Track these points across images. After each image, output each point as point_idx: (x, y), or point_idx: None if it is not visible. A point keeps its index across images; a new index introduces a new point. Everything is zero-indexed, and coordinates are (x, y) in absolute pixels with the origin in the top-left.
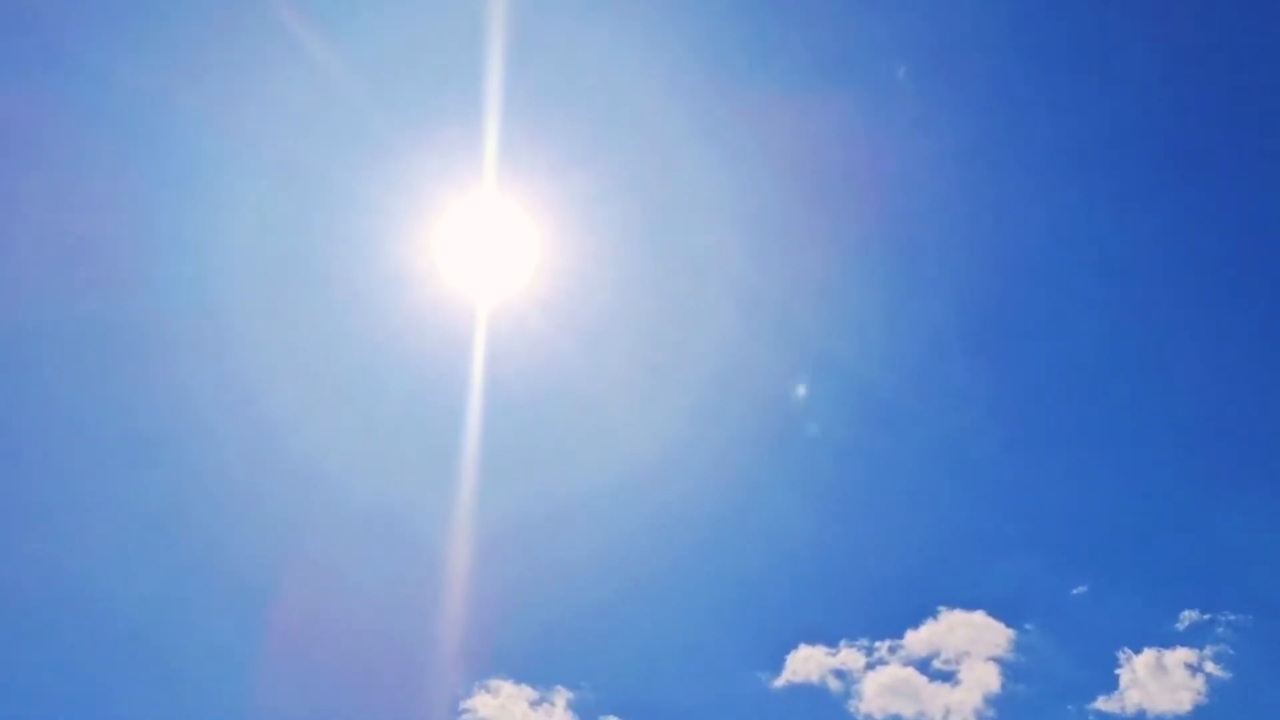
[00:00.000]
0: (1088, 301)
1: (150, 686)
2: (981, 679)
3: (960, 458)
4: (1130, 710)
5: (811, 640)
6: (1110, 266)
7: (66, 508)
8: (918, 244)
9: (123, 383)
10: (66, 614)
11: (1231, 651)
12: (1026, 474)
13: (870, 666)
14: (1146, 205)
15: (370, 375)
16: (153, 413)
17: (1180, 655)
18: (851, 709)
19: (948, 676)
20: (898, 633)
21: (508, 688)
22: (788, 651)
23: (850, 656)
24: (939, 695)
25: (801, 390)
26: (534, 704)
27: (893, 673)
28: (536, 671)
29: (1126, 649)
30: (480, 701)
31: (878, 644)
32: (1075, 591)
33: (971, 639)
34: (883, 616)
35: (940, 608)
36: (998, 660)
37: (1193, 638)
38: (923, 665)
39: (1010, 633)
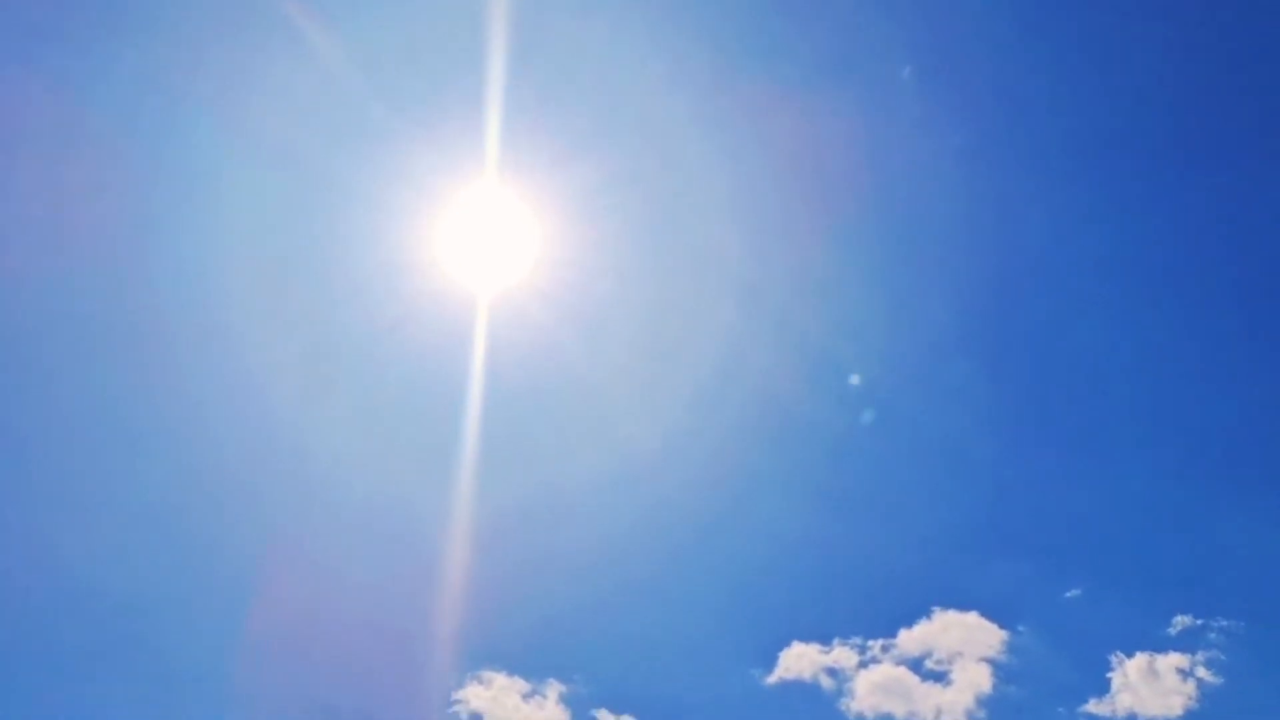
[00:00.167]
0: (1086, 304)
1: (146, 676)
2: (973, 679)
3: (957, 458)
4: (1121, 713)
5: (805, 638)
6: (1109, 269)
7: (65, 497)
8: (918, 243)
9: (122, 372)
10: (63, 604)
11: (1223, 657)
12: (1022, 476)
13: (863, 665)
14: (1147, 207)
15: (370, 366)
16: (152, 402)
17: (1172, 660)
18: (843, 707)
19: (940, 676)
20: (891, 632)
21: (500, 679)
22: (781, 648)
23: (843, 655)
24: (931, 695)
25: (799, 388)
26: (526, 696)
27: (885, 672)
28: (529, 664)
29: (1119, 652)
30: (472, 693)
31: (871, 643)
32: (1069, 594)
33: (964, 639)
34: (876, 615)
35: (934, 608)
36: (990, 661)
37: (1185, 643)
38: (915, 665)
39: (1003, 634)
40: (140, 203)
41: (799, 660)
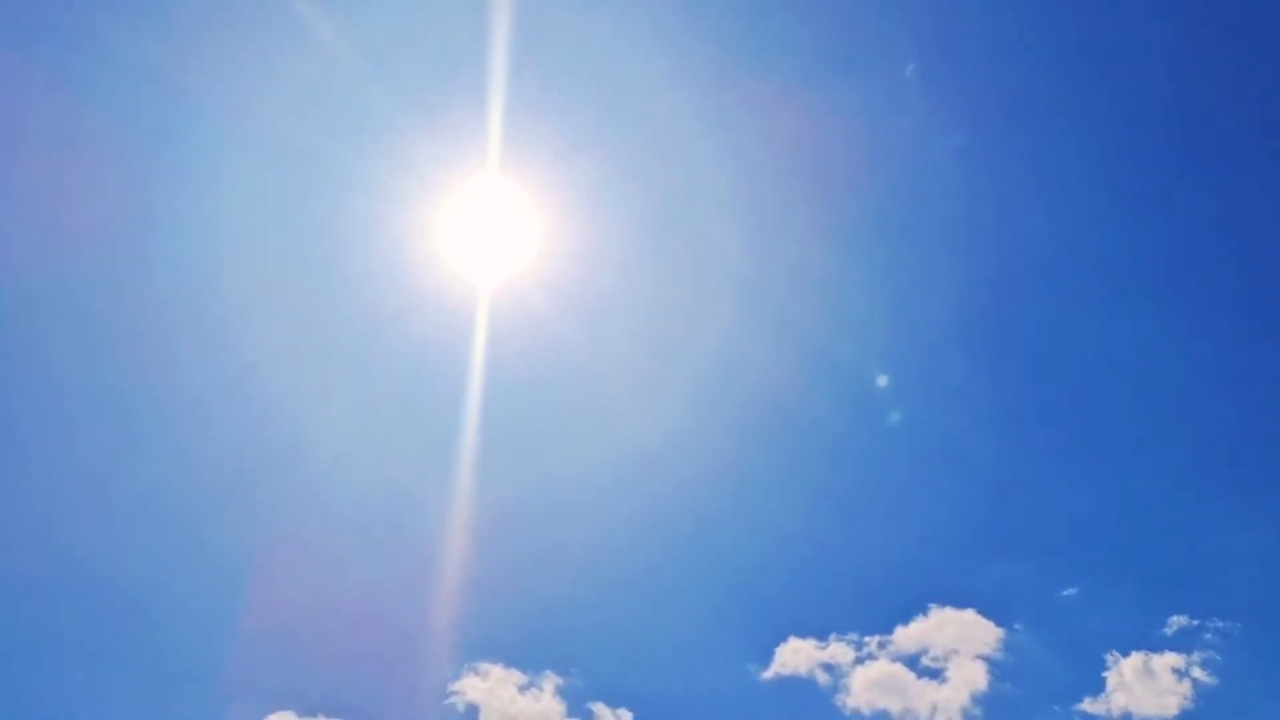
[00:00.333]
0: (1085, 304)
1: (143, 665)
2: (969, 677)
3: (956, 457)
4: (1116, 713)
5: (801, 633)
6: (1108, 270)
7: (64, 489)
8: (919, 241)
9: (122, 364)
10: (62, 595)
11: (1219, 658)
12: (1021, 475)
13: (859, 661)
14: (1147, 208)
15: (371, 357)
16: (152, 393)
17: (1168, 660)
18: (839, 703)
19: (936, 673)
20: (887, 628)
21: (497, 671)
22: (777, 644)
23: (839, 651)
24: (926, 692)
25: (799, 384)
26: (522, 688)
27: (881, 668)
28: (526, 656)
29: (1114, 652)
30: (469, 684)
31: (867, 639)
32: (1065, 593)
33: (961, 637)
34: (873, 612)
35: (930, 605)
36: (986, 659)
37: (1181, 643)
38: (911, 661)
39: (999, 632)
40: (142, 194)
41: (795, 656)
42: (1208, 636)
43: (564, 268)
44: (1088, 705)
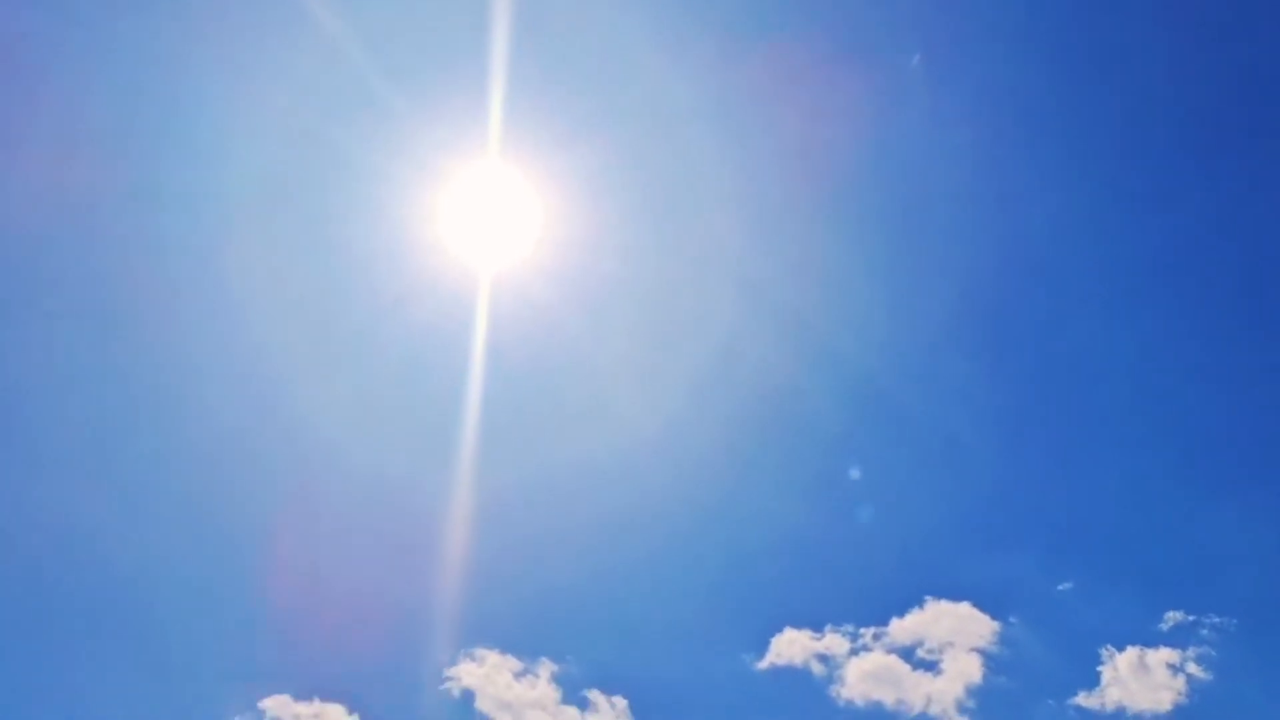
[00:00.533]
0: (1084, 300)
1: (140, 645)
2: (964, 669)
3: (953, 451)
4: (1110, 707)
5: (797, 624)
6: (1110, 266)
7: (64, 468)
8: (922, 235)
9: (122, 346)
10: (60, 573)
11: (1214, 654)
12: (1018, 469)
13: (854, 652)
14: (1150, 204)
15: (371, 344)
16: (152, 376)
17: (1163, 655)
18: (833, 694)
19: (930, 666)
20: (883, 620)
21: (493, 657)
22: (773, 634)
23: (835, 642)
24: (921, 684)
25: (797, 376)
26: (518, 675)
27: (876, 659)
28: (522, 643)
29: (1109, 646)
30: (464, 669)
31: (863, 631)
32: (1061, 588)
33: (956, 629)
34: (868, 603)
35: (926, 597)
36: (981, 651)
37: (1176, 638)
38: (906, 653)
39: (995, 625)
40: (142, 180)
41: (790, 646)
42: (1203, 632)
43: (564, 255)
44: (1082, 699)
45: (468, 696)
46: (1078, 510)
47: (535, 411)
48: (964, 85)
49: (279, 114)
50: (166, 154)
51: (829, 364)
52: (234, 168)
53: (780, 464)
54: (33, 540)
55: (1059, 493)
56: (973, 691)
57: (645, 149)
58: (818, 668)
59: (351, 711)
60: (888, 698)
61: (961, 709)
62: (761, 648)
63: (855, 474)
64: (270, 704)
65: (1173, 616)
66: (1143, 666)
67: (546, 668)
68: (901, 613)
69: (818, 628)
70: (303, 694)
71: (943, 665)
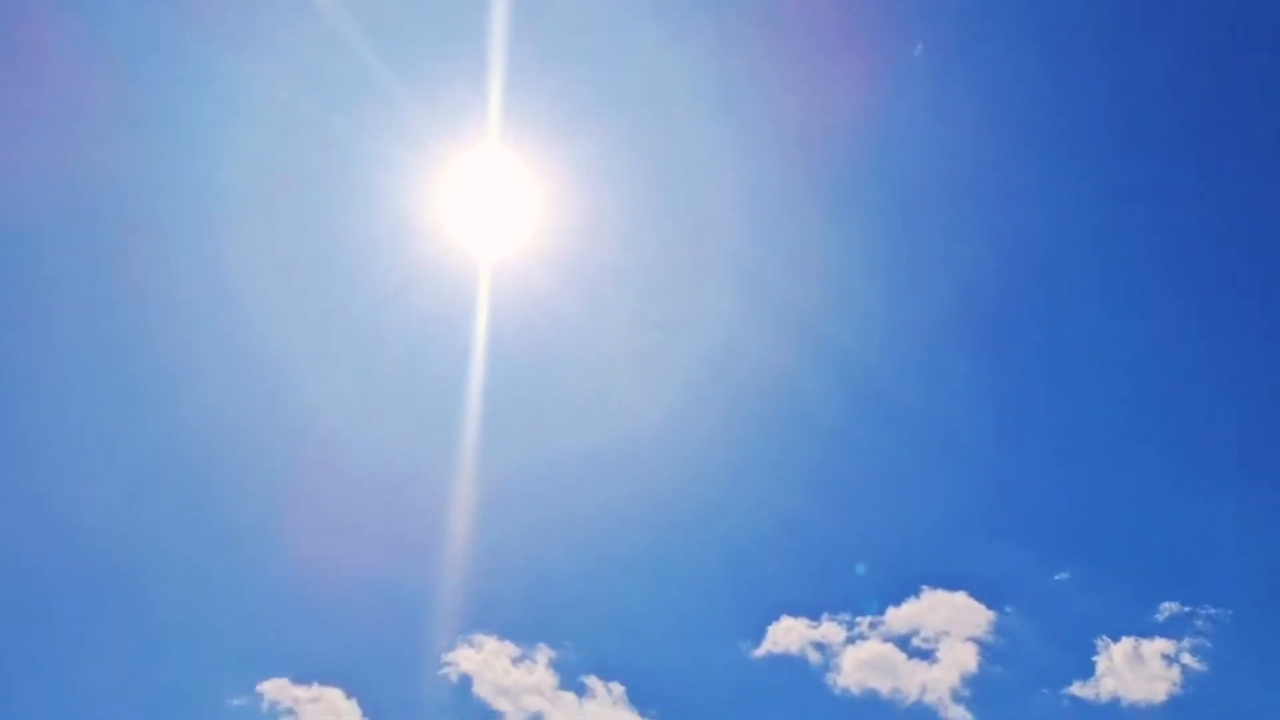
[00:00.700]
0: (1083, 294)
1: (139, 628)
2: (959, 659)
3: (951, 442)
4: (1105, 697)
5: (794, 612)
6: (1108, 261)
7: (64, 453)
8: (922, 229)
9: (124, 331)
10: (59, 557)
11: (1209, 645)
12: (1015, 461)
13: (850, 641)
14: (1151, 200)
15: (372, 331)
16: (154, 363)
17: (1158, 646)
18: (829, 682)
19: (926, 655)
20: (879, 609)
21: (491, 643)
22: (770, 622)
23: (831, 630)
24: (916, 672)
25: (796, 367)
26: (516, 661)
27: (872, 648)
28: (520, 629)
29: (1105, 637)
30: (463, 655)
31: (859, 619)
32: (1057, 578)
33: (952, 619)
34: (865, 593)
35: (923, 587)
36: (977, 641)
37: (1171, 629)
38: (902, 642)
39: (991, 615)
40: (142, 169)
41: (787, 634)
42: (1199, 623)
43: (565, 243)
44: (1077, 689)
45: (465, 682)
46: (1074, 502)
47: (535, 400)
48: (966, 78)
49: (279, 102)
50: (166, 143)
51: (827, 355)
52: (234, 156)
53: (778, 454)
54: (32, 526)
55: (1056, 484)
56: (968, 681)
57: (646, 138)
58: (814, 656)
59: (350, 695)
60: (883, 686)
61: (957, 698)
62: (758, 636)
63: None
64: (269, 687)
65: (1168, 607)
66: (1138, 657)
67: (544, 654)
68: (898, 602)
69: (814, 616)
70: (301, 678)
71: (938, 654)
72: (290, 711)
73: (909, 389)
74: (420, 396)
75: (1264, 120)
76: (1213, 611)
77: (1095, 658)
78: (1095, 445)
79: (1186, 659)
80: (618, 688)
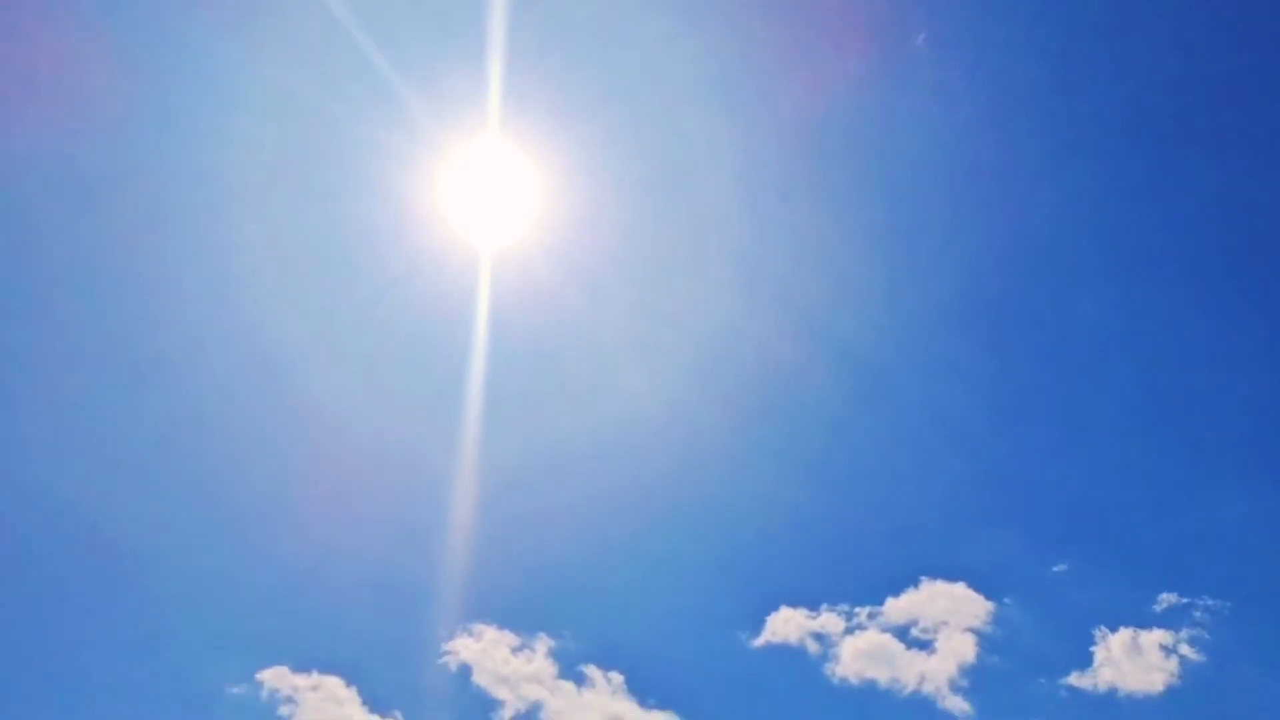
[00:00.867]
0: (1084, 283)
1: (138, 615)
2: (958, 649)
3: (950, 433)
4: (1102, 688)
5: (793, 603)
6: (1110, 252)
7: (65, 435)
8: (922, 217)
9: (125, 319)
10: (59, 541)
11: (1207, 636)
12: (1014, 452)
13: (849, 631)
14: (1153, 189)
15: (373, 319)
16: (155, 350)
17: (1156, 636)
18: (828, 672)
19: (925, 645)
20: (878, 600)
21: (490, 632)
22: (768, 612)
23: (830, 620)
24: (915, 662)
25: (796, 356)
26: (515, 650)
27: (871, 638)
28: (520, 618)
29: (1103, 627)
30: (462, 644)
31: (858, 610)
32: (1056, 569)
33: (950, 609)
34: (864, 583)
35: (922, 577)
36: (975, 631)
37: (1169, 620)
38: (901, 633)
39: (989, 605)
40: (143, 157)
41: (786, 625)
42: (1197, 614)
43: (565, 232)
44: (1075, 679)
45: (465, 671)
46: (1073, 492)
47: (535, 390)
48: (968, 68)
49: (280, 92)
50: (167, 132)
51: (827, 345)
52: (235, 146)
53: (778, 444)
54: (33, 514)
55: (1055, 475)
56: (966, 671)
57: (646, 128)
58: (813, 646)
59: (349, 684)
60: (882, 676)
61: (955, 688)
62: (757, 626)
63: None
64: (268, 675)
65: (1166, 598)
66: (1136, 648)
67: (544, 643)
68: (897, 592)
69: (813, 606)
70: (301, 666)
71: (937, 645)
72: (290, 699)
73: (909, 380)
74: (420, 386)
75: (1269, 109)
76: (1211, 603)
77: (1093, 648)
78: (1095, 437)
79: (1184, 650)
80: (617, 677)
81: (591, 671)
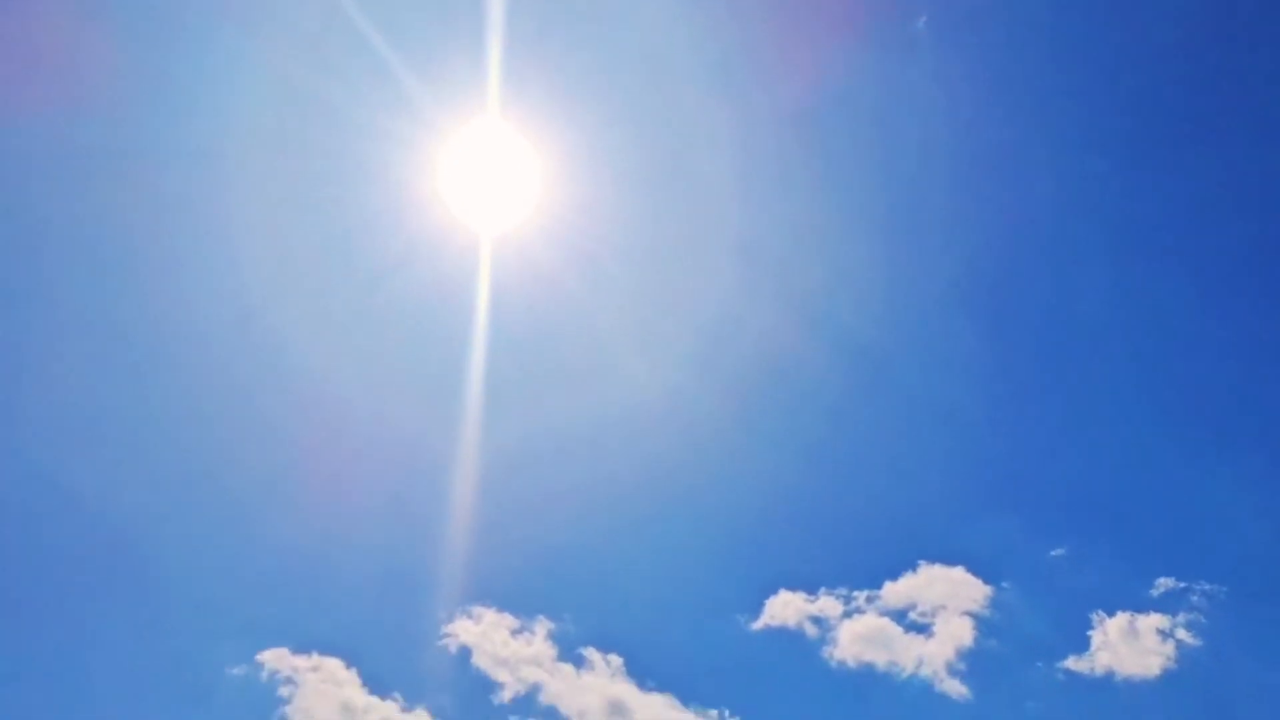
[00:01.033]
0: (1084, 267)
1: (138, 596)
2: (955, 633)
3: (949, 417)
4: (1099, 671)
5: (791, 586)
6: (1107, 233)
7: (66, 418)
8: (922, 203)
9: (126, 303)
10: (60, 523)
11: (1204, 620)
12: (1013, 436)
13: (847, 614)
14: (1155, 176)
15: (374, 303)
16: (155, 333)
17: (1153, 620)
18: (826, 655)
19: (922, 628)
20: (876, 583)
21: (490, 615)
22: (767, 596)
23: (828, 604)
24: (912, 646)
25: (796, 340)
26: (515, 633)
27: (869, 622)
28: (519, 601)
29: (1100, 612)
30: (462, 626)
31: (856, 593)
32: (1054, 553)
33: (948, 593)
34: (862, 567)
35: (920, 561)
36: (973, 615)
37: (1167, 604)
38: (899, 616)
39: (987, 589)
40: (142, 139)
41: (785, 608)
42: (1194, 599)
43: (566, 217)
44: (1071, 663)
45: (465, 653)
46: (1071, 477)
47: (535, 373)
48: (969, 51)
49: (280, 76)
50: (167, 115)
51: (826, 329)
52: (235, 130)
53: (777, 428)
54: (33, 496)
55: (1053, 459)
56: (963, 654)
57: (646, 112)
58: (811, 629)
59: (349, 666)
60: (879, 659)
61: (952, 671)
62: (756, 609)
63: None
64: (268, 656)
65: (1164, 583)
66: (1132, 632)
67: (543, 625)
68: (895, 576)
69: (812, 590)
70: (301, 648)
71: (935, 628)
72: (290, 681)
73: (907, 365)
74: (420, 370)
75: (1273, 93)
76: (1208, 587)
77: (1090, 632)
78: (1093, 422)
79: (1181, 634)
80: (616, 660)
81: (591, 654)
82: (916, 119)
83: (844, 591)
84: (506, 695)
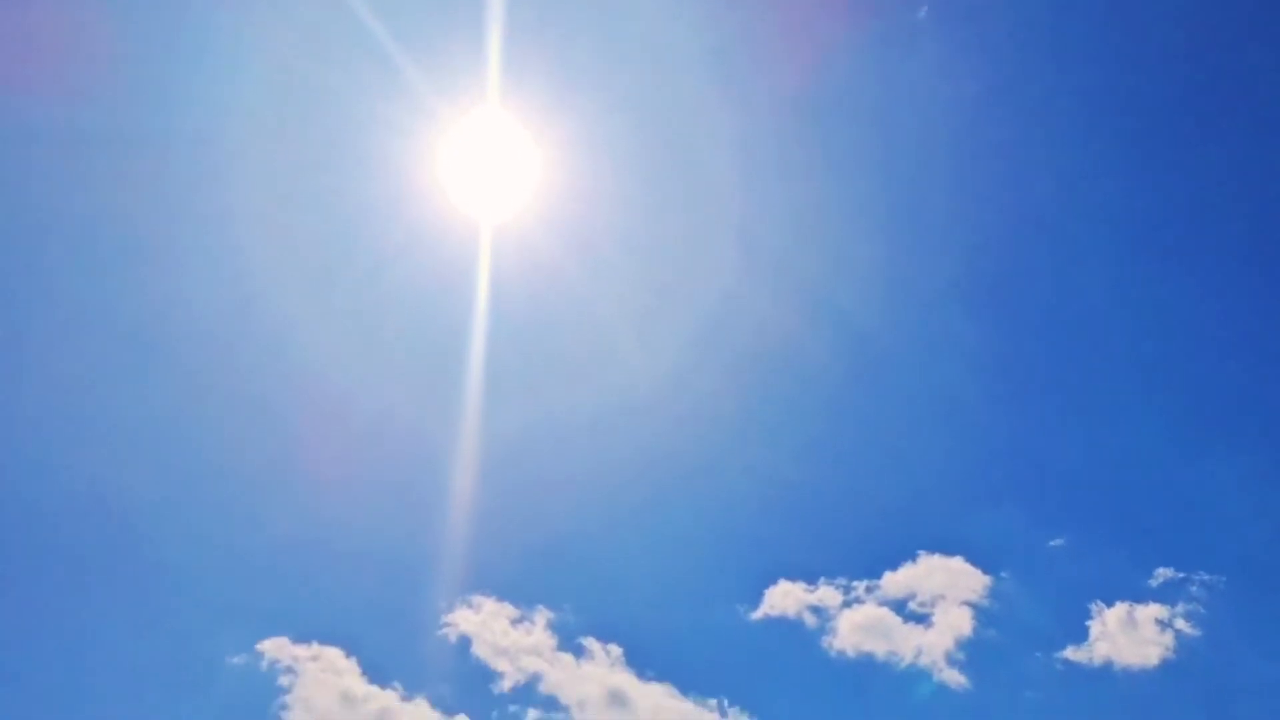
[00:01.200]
0: (1084, 257)
1: (139, 586)
2: (954, 623)
3: (948, 407)
4: (1098, 661)
5: (791, 576)
6: (1109, 224)
7: (66, 405)
8: (922, 192)
9: (125, 290)
10: (60, 511)
11: (1203, 610)
12: (1012, 426)
13: (846, 604)
14: (1155, 166)
15: (374, 291)
16: (155, 322)
17: (1152, 611)
18: (825, 645)
19: (922, 618)
20: (875, 573)
21: (490, 604)
22: (767, 585)
23: (828, 594)
24: (912, 636)
25: (796, 329)
26: (514, 622)
27: (868, 612)
28: (519, 590)
29: (1099, 602)
30: (461, 616)
31: (855, 583)
32: (1053, 543)
33: (948, 583)
34: (862, 557)
35: (919, 551)
36: (972, 605)
37: (1166, 594)
38: (898, 606)
39: (986, 579)
40: (142, 127)
41: (784, 598)
42: (1193, 589)
43: (565, 205)
44: (1070, 653)
45: (465, 642)
46: (1070, 467)
47: (535, 362)
48: (970, 40)
49: (280, 65)
50: (166, 104)
51: (826, 318)
52: (234, 119)
53: (776, 417)
54: (34, 485)
55: (1053, 449)
56: (962, 644)
57: (645, 100)
58: (810, 619)
59: (349, 655)
60: (878, 649)
61: (951, 661)
62: (755, 599)
63: None
64: (268, 646)
65: (1163, 573)
66: (1131, 622)
67: (543, 615)
68: (894, 566)
69: (811, 580)
70: (301, 637)
71: (934, 618)
72: (290, 670)
73: (908, 355)
74: (420, 359)
75: (1275, 85)
76: (1207, 578)
77: (1089, 622)
78: (1093, 412)
79: (1180, 624)
80: (616, 649)
81: (590, 643)
82: (917, 110)
83: (843, 581)
84: (506, 684)
